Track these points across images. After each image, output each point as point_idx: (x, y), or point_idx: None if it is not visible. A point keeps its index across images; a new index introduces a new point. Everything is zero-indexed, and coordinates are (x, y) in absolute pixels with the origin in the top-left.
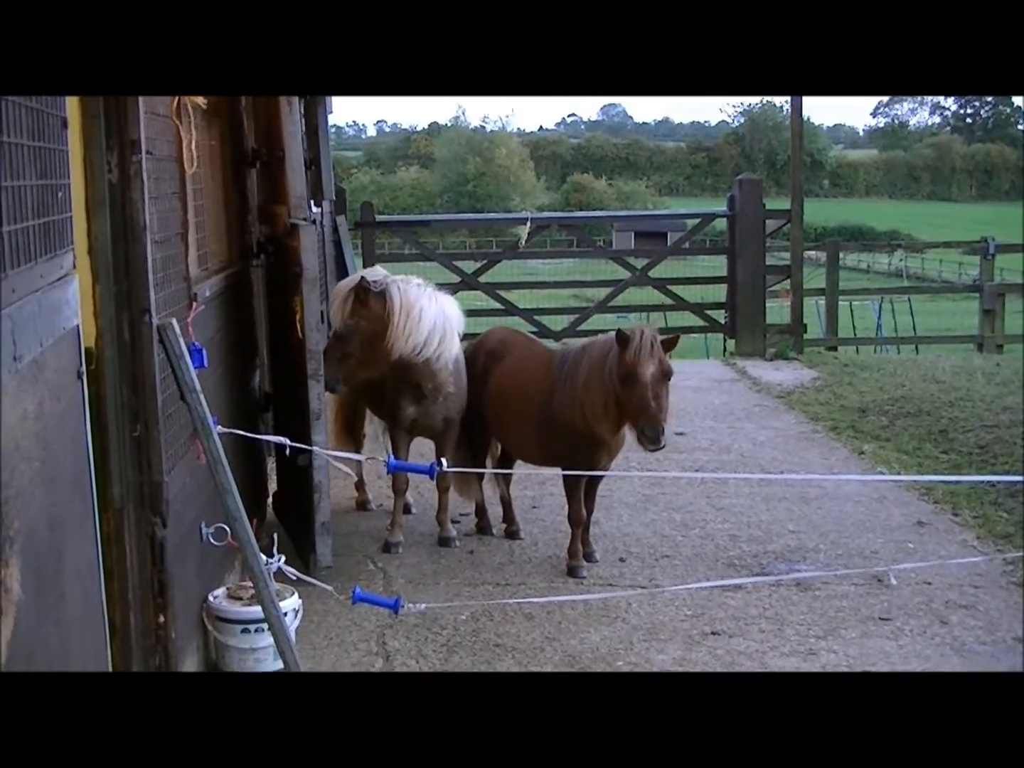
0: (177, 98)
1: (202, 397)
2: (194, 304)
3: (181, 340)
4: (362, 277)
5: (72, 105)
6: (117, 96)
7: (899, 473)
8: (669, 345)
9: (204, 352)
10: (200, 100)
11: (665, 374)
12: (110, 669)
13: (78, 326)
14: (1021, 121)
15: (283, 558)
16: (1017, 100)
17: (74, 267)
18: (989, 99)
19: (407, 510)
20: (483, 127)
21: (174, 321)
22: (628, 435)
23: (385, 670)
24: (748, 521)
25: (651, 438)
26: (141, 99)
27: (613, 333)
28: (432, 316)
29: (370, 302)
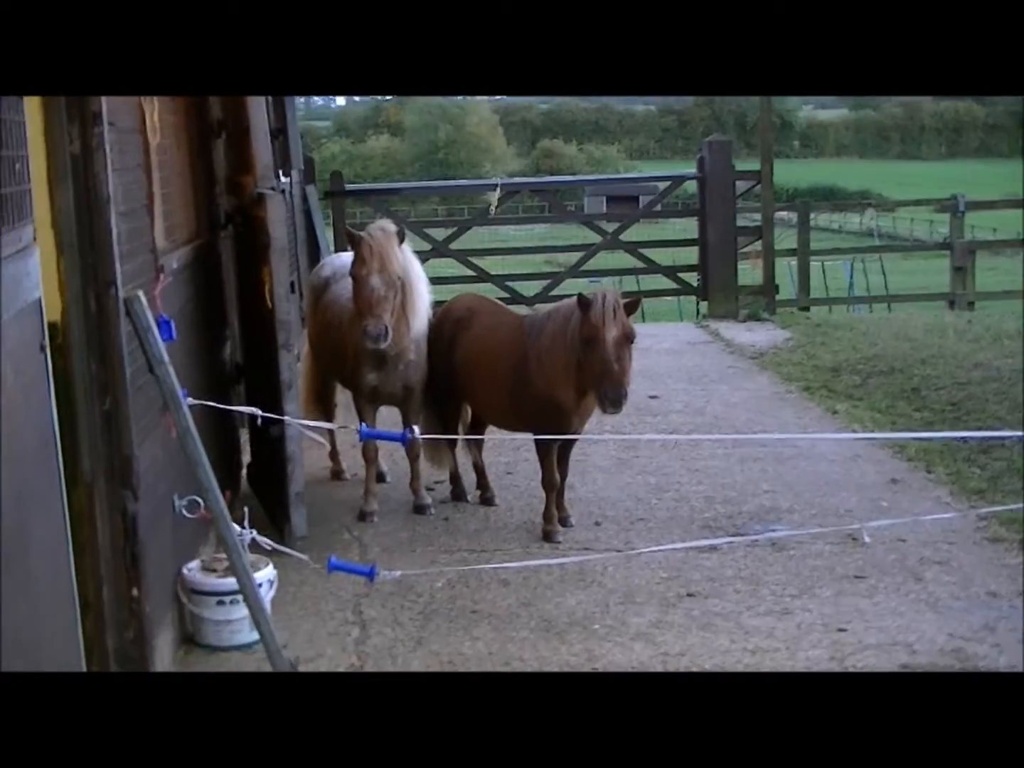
0: None
1: (171, 369)
2: (161, 276)
3: (148, 312)
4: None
5: None
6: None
7: (872, 431)
8: (631, 308)
9: (172, 324)
10: None
11: (627, 337)
12: (82, 643)
13: (40, 299)
14: None
15: (254, 531)
16: None
17: (34, 239)
18: None
19: (381, 479)
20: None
21: (141, 293)
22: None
23: (362, 639)
24: (722, 482)
25: (613, 400)
26: None
27: (576, 297)
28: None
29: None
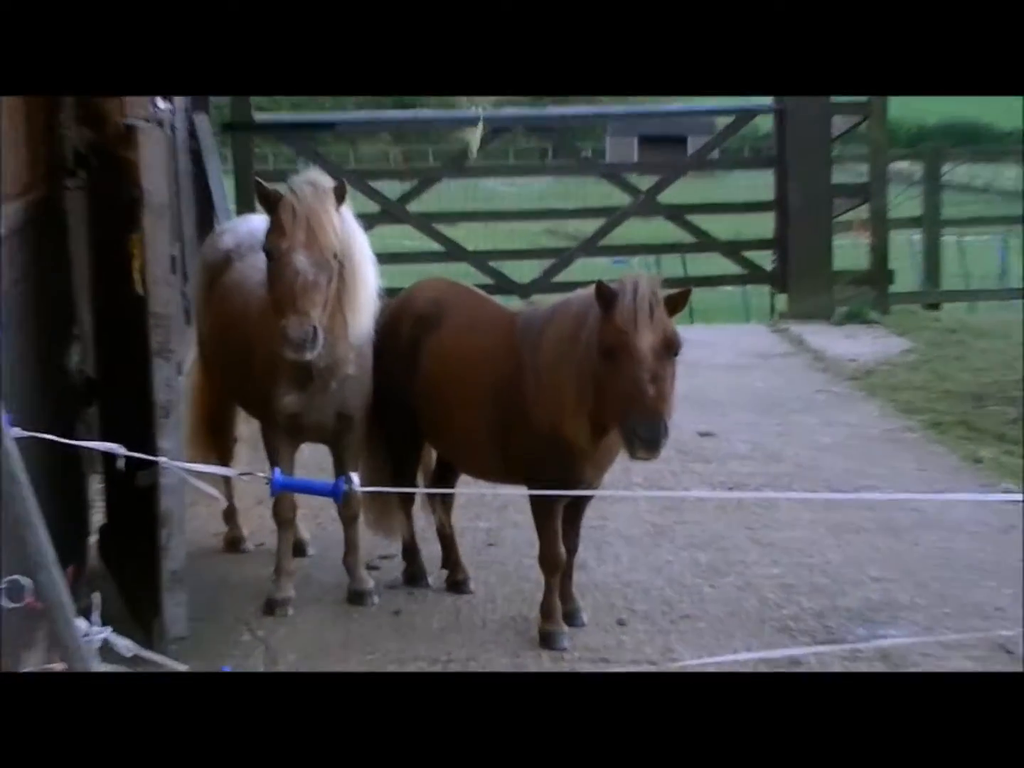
0: None
1: None
2: None
3: None
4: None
5: None
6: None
7: None
8: (677, 304)
9: None
10: None
11: (669, 346)
12: None
13: None
14: None
15: (108, 629)
16: None
17: None
18: None
19: (300, 551)
20: None
21: None
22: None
23: None
24: (809, 563)
25: (647, 441)
26: None
27: (593, 287)
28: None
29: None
